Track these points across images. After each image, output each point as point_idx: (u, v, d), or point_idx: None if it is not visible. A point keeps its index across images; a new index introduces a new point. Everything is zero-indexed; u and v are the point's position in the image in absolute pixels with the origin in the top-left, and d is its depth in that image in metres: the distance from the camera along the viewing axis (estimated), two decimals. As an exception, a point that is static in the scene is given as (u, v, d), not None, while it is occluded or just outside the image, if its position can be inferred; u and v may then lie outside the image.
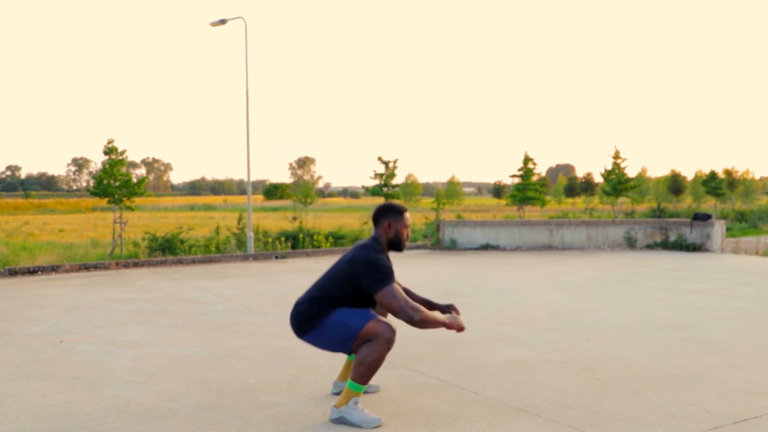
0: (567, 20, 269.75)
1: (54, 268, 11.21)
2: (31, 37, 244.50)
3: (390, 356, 5.20)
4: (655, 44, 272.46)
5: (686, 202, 61.89)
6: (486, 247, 14.96)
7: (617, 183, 24.35)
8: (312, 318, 3.84)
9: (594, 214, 32.19)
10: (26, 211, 57.81)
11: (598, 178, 78.81)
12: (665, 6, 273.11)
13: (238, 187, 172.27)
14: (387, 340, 3.69)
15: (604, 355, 5.26)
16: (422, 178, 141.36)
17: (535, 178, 25.83)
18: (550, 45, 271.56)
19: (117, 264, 11.86)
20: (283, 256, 13.52)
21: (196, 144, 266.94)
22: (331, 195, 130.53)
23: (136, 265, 11.96)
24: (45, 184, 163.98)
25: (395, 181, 18.09)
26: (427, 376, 4.71)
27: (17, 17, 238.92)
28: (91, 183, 15.66)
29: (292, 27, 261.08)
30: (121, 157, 14.64)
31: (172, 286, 9.32)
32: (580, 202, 79.79)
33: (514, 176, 26.51)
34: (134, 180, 14.89)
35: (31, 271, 10.97)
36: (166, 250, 13.62)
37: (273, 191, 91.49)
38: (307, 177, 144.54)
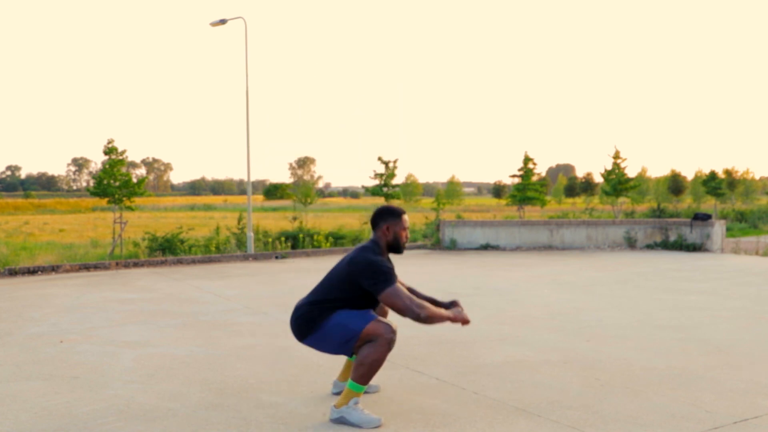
0: (567, 20, 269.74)
1: (54, 268, 11.21)
2: (31, 37, 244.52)
3: (390, 356, 5.20)
4: (655, 44, 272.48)
5: (686, 202, 61.89)
6: (486, 247, 14.96)
7: (617, 183, 24.35)
8: (312, 321, 3.84)
9: (594, 214, 32.19)
10: (26, 211, 57.82)
11: (598, 178, 78.83)
12: (665, 6, 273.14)
13: (238, 187, 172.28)
14: (388, 340, 3.69)
15: (604, 355, 5.26)
16: (422, 178, 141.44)
17: (535, 178, 25.84)
18: (550, 45, 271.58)
19: (117, 264, 11.86)
20: (283, 256, 13.52)
21: (196, 144, 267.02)
22: (331, 195, 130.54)
23: (136, 265, 11.96)
24: (45, 184, 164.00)
25: (395, 181, 18.11)
26: (427, 376, 4.71)
27: (17, 17, 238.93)
28: (91, 183, 15.65)
29: (292, 27, 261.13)
30: (121, 157, 14.64)
31: (172, 286, 9.32)
32: (580, 202, 79.79)
33: (514, 176, 26.52)
34: (134, 180, 14.89)
35: (31, 271, 10.97)
36: (166, 250, 13.62)
37: (273, 191, 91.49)
38: (307, 177, 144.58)
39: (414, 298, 3.74)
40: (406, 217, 4.04)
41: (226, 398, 4.25)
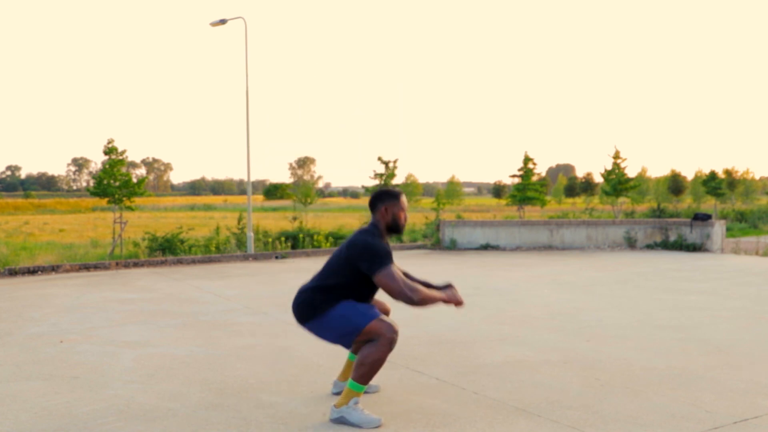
0: (567, 20, 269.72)
1: (54, 268, 11.21)
2: (31, 37, 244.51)
3: (390, 356, 5.19)
4: (655, 44, 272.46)
5: (686, 202, 61.90)
6: (486, 247, 14.96)
7: (617, 183, 24.36)
8: (315, 307, 3.85)
9: (594, 214, 32.19)
10: (26, 211, 57.81)
11: (598, 178, 78.83)
12: (665, 6, 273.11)
13: (238, 187, 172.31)
14: (389, 340, 3.70)
15: (604, 355, 5.25)
16: (422, 178, 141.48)
17: (535, 178, 25.84)
18: (550, 45, 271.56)
19: (117, 264, 11.86)
20: (283, 256, 13.52)
21: (196, 144, 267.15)
22: (331, 195, 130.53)
23: (136, 265, 11.96)
24: (45, 184, 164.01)
25: (395, 181, 18.10)
26: (427, 376, 4.71)
27: (17, 17, 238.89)
28: (91, 183, 15.65)
29: (292, 27, 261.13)
30: (121, 157, 14.63)
31: (172, 286, 9.32)
32: (580, 202, 79.81)
33: (514, 176, 26.52)
34: (134, 180, 14.88)
35: (31, 271, 10.97)
36: (166, 250, 13.61)
37: (273, 191, 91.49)
38: (307, 177, 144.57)
39: (408, 281, 3.74)
40: (404, 198, 4.04)
41: (226, 398, 4.24)
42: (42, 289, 9.11)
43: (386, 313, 4.15)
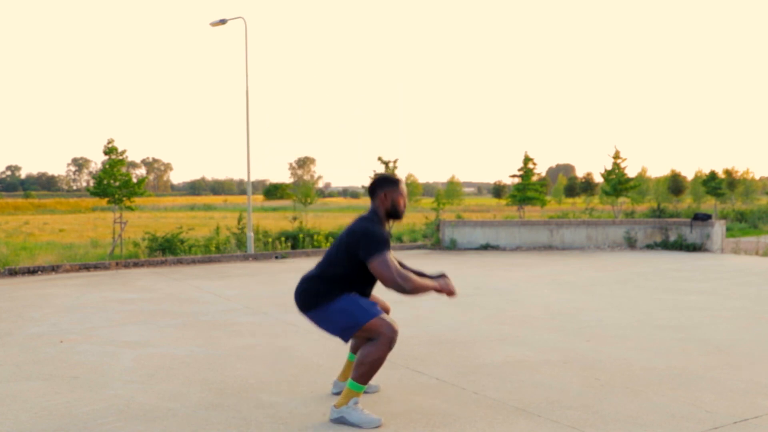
0: (567, 20, 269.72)
1: (54, 268, 11.21)
2: (31, 37, 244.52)
3: (390, 356, 5.20)
4: (655, 44, 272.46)
5: (686, 202, 61.91)
6: (486, 247, 14.96)
7: (617, 183, 24.35)
8: (317, 297, 3.84)
9: (594, 214, 32.19)
10: (26, 211, 57.81)
11: (598, 178, 78.85)
12: (665, 6, 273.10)
13: (238, 187, 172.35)
14: (388, 340, 3.70)
15: (604, 355, 5.25)
16: (422, 178, 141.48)
17: (535, 178, 25.84)
18: (550, 45, 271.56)
19: (117, 264, 11.85)
20: (283, 256, 13.52)
21: (196, 144, 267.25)
22: (331, 195, 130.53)
23: (136, 265, 11.95)
24: (45, 184, 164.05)
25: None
26: (427, 376, 4.71)
27: (17, 17, 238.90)
28: (91, 183, 15.64)
29: (292, 27, 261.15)
30: (121, 157, 14.63)
31: (172, 286, 9.32)
32: (580, 202, 79.83)
33: (514, 176, 26.53)
34: (134, 180, 14.88)
35: (31, 271, 10.97)
36: (166, 250, 13.61)
37: (273, 191, 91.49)
38: (307, 177, 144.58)
39: (401, 270, 3.73)
40: (403, 185, 4.05)
41: (226, 398, 4.24)
42: (42, 289, 9.11)
43: (386, 311, 4.15)
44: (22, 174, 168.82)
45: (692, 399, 4.16)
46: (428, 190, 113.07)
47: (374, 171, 17.99)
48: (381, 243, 3.75)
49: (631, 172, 71.17)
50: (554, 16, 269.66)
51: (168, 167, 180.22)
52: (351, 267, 3.83)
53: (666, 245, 14.46)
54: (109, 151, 14.60)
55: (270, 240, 14.84)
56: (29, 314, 7.21)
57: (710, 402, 4.11)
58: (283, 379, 4.67)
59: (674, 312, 7.10)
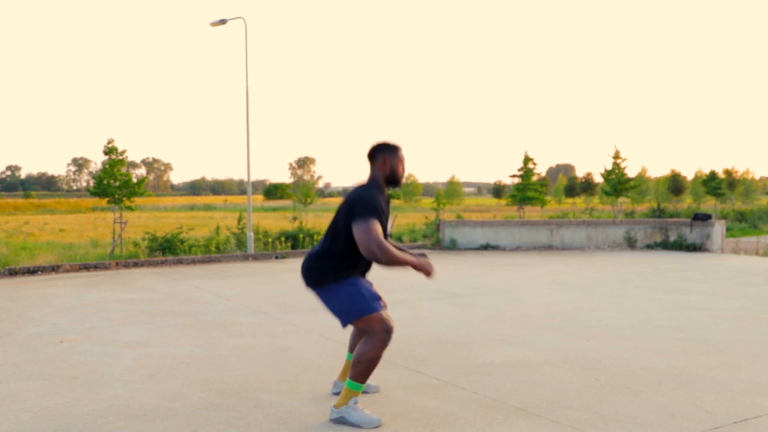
0: (567, 20, 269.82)
1: (54, 268, 11.20)
2: (31, 37, 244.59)
3: (390, 356, 5.20)
4: (655, 44, 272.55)
5: (686, 202, 61.92)
6: (486, 247, 14.96)
7: (617, 183, 24.36)
8: (324, 276, 3.83)
9: (594, 214, 32.20)
10: (26, 211, 57.80)
11: (598, 178, 78.87)
12: (665, 6, 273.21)
13: (238, 187, 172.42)
14: (383, 338, 3.71)
15: (604, 355, 5.25)
16: (422, 178, 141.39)
17: (535, 178, 25.86)
18: (550, 45, 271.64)
19: (117, 264, 11.85)
20: (283, 256, 13.52)
21: (196, 144, 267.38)
22: (331, 195, 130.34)
23: (136, 265, 11.95)
24: (45, 184, 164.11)
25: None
26: (427, 376, 4.71)
27: (17, 17, 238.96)
28: (91, 183, 15.64)
29: (292, 27, 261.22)
30: (121, 157, 14.63)
31: (172, 286, 9.32)
32: (580, 202, 79.83)
33: (514, 176, 26.56)
34: (134, 180, 14.88)
35: (31, 271, 10.97)
36: (166, 250, 13.61)
37: (273, 191, 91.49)
38: (307, 177, 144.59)
39: (381, 240, 3.67)
40: (402, 151, 4.04)
41: (226, 398, 4.24)
42: (42, 289, 9.11)
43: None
44: (22, 174, 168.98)
45: (692, 399, 4.16)
46: (428, 190, 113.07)
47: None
48: (369, 209, 3.71)
49: (631, 172, 71.26)
50: (554, 16, 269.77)
51: (168, 167, 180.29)
52: (351, 241, 3.79)
53: (666, 245, 14.46)
54: (109, 151, 14.60)
55: (270, 240, 14.84)
56: (29, 314, 7.21)
57: (710, 402, 4.11)
58: (283, 379, 4.67)
59: (674, 312, 7.10)
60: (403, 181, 4.08)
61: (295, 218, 17.76)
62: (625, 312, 7.12)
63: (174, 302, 7.95)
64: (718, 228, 14.32)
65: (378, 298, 3.84)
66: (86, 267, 11.59)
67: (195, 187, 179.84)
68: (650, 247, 14.62)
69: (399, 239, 16.52)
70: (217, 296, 8.41)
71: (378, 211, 3.74)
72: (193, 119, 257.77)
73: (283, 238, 15.22)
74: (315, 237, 15.58)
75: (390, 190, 4.09)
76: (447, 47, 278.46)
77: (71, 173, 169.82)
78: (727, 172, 67.17)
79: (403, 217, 30.54)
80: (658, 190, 69.83)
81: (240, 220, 15.59)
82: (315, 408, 4.04)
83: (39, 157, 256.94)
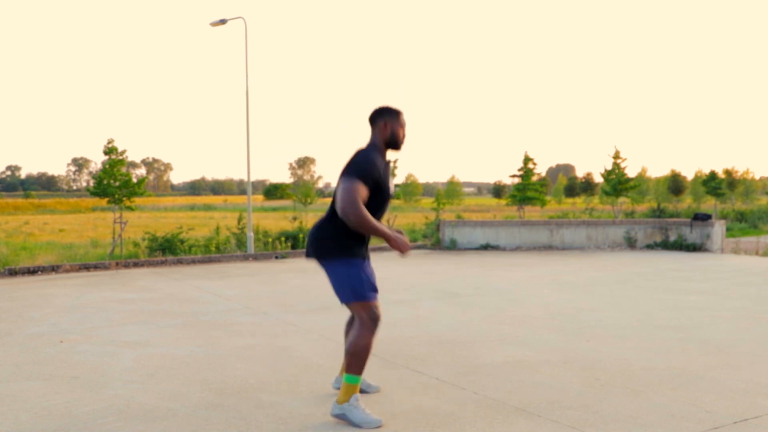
0: (567, 20, 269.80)
1: (54, 268, 11.20)
2: (31, 37, 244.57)
3: (390, 356, 5.21)
4: (655, 44, 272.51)
5: (686, 202, 61.92)
6: (486, 247, 14.95)
7: (617, 183, 24.37)
8: (331, 250, 3.82)
9: (594, 214, 32.21)
10: (26, 211, 57.81)
11: (598, 178, 78.86)
12: (665, 6, 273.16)
13: (238, 187, 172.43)
14: (370, 327, 3.77)
15: (604, 355, 5.25)
16: (422, 178, 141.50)
17: (535, 178, 25.87)
18: (550, 45, 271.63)
19: (117, 264, 11.85)
20: (283, 256, 13.52)
21: (196, 144, 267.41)
22: (331, 195, 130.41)
23: (136, 265, 11.95)
24: (45, 184, 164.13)
25: (395, 181, 18.10)
26: (427, 376, 4.71)
27: (17, 17, 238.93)
28: (91, 183, 15.65)
29: (292, 27, 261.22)
30: (121, 157, 14.63)
31: (172, 286, 9.32)
32: (580, 202, 79.85)
33: (514, 176, 26.57)
34: (134, 180, 14.88)
35: (31, 271, 10.97)
36: (166, 250, 13.61)
37: (273, 191, 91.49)
38: (307, 177, 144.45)
39: (359, 203, 3.63)
40: (404, 116, 4.03)
41: (226, 398, 4.24)
42: (42, 289, 9.11)
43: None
44: (22, 174, 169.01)
45: (692, 399, 4.16)
46: (428, 190, 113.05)
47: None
48: (359, 170, 3.71)
49: (631, 172, 71.26)
50: (554, 16, 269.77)
51: (168, 167, 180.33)
52: None
53: (666, 245, 14.46)
54: (109, 151, 14.60)
55: (270, 240, 14.84)
56: (29, 314, 7.21)
57: (710, 402, 4.11)
58: (283, 379, 4.67)
59: (674, 312, 7.10)
60: (403, 146, 4.04)
61: (295, 218, 17.77)
62: (625, 312, 7.12)
63: (174, 302, 7.95)
64: (718, 228, 14.32)
65: (375, 288, 3.87)
66: (86, 267, 11.59)
67: (195, 187, 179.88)
68: (650, 247, 14.62)
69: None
70: (217, 296, 8.41)
71: (368, 175, 3.73)
72: (193, 119, 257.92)
73: (283, 238, 15.22)
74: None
75: (390, 155, 4.05)
76: (447, 47, 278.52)
77: (71, 173, 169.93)
78: (727, 172, 67.18)
79: (403, 217, 30.54)
80: (658, 190, 69.85)
81: (240, 220, 15.59)
82: (315, 408, 4.04)
83: (39, 157, 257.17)
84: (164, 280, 10.04)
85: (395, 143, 3.98)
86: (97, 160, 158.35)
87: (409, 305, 7.59)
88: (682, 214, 31.24)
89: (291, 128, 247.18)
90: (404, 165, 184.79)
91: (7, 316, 7.10)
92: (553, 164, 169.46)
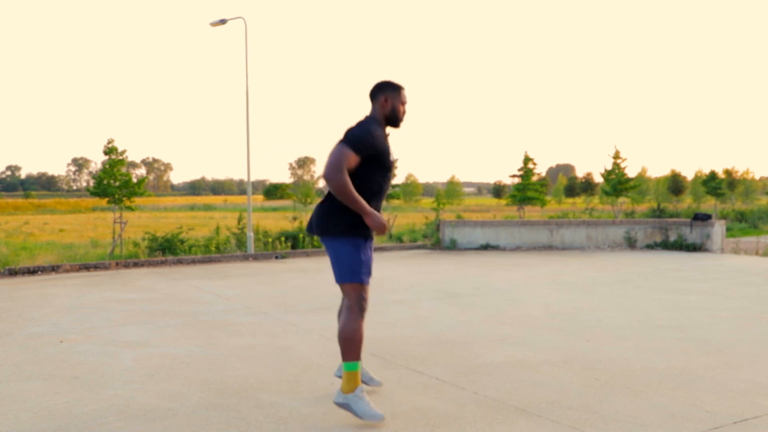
0: (567, 20, 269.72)
1: (54, 268, 11.20)
2: (31, 37, 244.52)
3: (390, 356, 5.21)
4: (655, 44, 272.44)
5: (686, 202, 61.94)
6: (486, 247, 14.95)
7: (617, 183, 24.38)
8: (333, 227, 3.81)
9: (594, 214, 32.20)
10: (26, 211, 57.82)
11: (598, 178, 78.85)
12: (665, 6, 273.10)
13: (238, 187, 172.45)
14: (357, 310, 3.79)
15: (604, 355, 5.25)
16: (422, 178, 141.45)
17: (535, 178, 25.88)
18: (550, 45, 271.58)
19: (117, 264, 11.85)
20: (283, 256, 13.51)
21: (196, 144, 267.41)
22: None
23: (136, 265, 11.95)
24: (45, 184, 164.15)
25: (395, 181, 18.10)
26: (427, 376, 4.71)
27: (17, 17, 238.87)
28: (91, 183, 15.65)
29: (292, 27, 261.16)
30: (121, 157, 14.63)
31: (172, 286, 9.32)
32: (580, 202, 79.86)
33: (514, 176, 26.58)
34: (134, 180, 14.88)
35: (31, 271, 10.97)
36: (166, 250, 13.61)
37: (273, 191, 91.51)
38: (307, 177, 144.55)
39: (343, 168, 3.61)
40: (405, 92, 3.99)
41: (226, 398, 4.24)
42: (42, 289, 9.11)
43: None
44: (22, 174, 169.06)
45: (692, 399, 4.16)
46: (428, 190, 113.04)
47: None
48: (354, 139, 3.70)
49: (631, 172, 71.28)
50: (554, 16, 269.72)
51: (168, 167, 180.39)
52: (356, 175, 3.75)
53: (666, 245, 14.46)
54: (109, 151, 14.60)
55: (270, 240, 14.83)
56: (29, 314, 7.21)
57: (710, 402, 4.11)
58: (283, 379, 4.67)
59: (674, 312, 7.10)
60: (402, 123, 4.01)
61: (295, 218, 17.76)
62: (625, 312, 7.12)
63: (174, 302, 7.95)
64: (718, 228, 14.32)
65: (370, 272, 3.88)
66: (86, 267, 11.59)
67: (195, 187, 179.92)
68: (650, 247, 14.62)
69: (399, 239, 16.52)
70: (217, 296, 8.41)
71: (363, 145, 3.71)
72: (193, 119, 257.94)
73: (283, 238, 15.22)
74: (315, 237, 15.58)
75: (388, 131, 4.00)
76: (447, 47, 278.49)
77: (71, 173, 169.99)
78: (727, 172, 67.20)
79: (403, 217, 30.52)
80: (658, 190, 69.88)
81: (240, 220, 15.59)
82: (315, 408, 4.04)
83: (39, 157, 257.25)
84: (164, 280, 10.05)
85: (395, 120, 3.95)
86: (97, 160, 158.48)
87: (409, 305, 7.59)
88: (682, 214, 31.24)
89: (291, 128, 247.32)
90: (404, 165, 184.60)
91: (7, 316, 7.10)
92: (553, 164, 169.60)
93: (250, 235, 14.31)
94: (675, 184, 71.39)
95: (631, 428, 3.66)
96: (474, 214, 40.21)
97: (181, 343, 5.80)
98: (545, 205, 26.98)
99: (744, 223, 31.13)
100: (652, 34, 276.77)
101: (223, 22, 15.52)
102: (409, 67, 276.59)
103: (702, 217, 14.32)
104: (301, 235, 15.36)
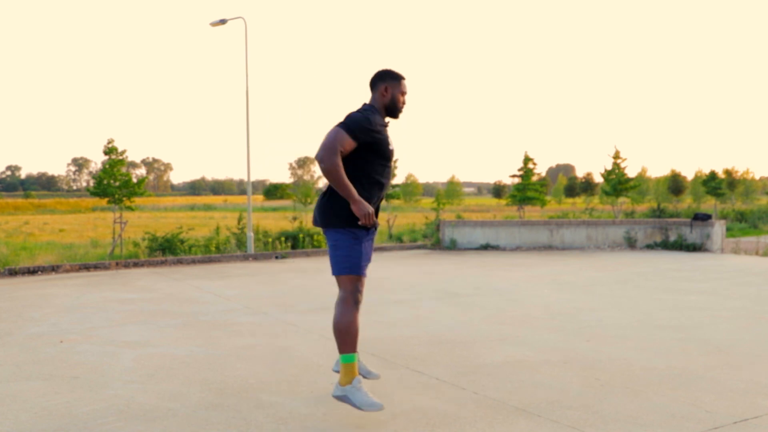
0: (567, 20, 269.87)
1: (54, 268, 11.20)
2: (31, 37, 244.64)
3: (390, 356, 5.21)
4: (655, 44, 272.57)
5: (686, 202, 61.93)
6: (486, 247, 14.95)
7: (617, 183, 24.38)
8: (335, 219, 3.81)
9: (594, 214, 32.20)
10: (26, 211, 57.80)
11: (598, 178, 78.87)
12: (665, 6, 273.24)
13: (238, 187, 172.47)
14: (350, 302, 3.80)
15: (604, 355, 5.25)
16: (422, 178, 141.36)
17: (535, 178, 25.88)
18: (550, 45, 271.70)
19: (117, 264, 11.85)
20: (283, 256, 13.51)
21: (196, 144, 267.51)
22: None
23: (136, 265, 11.95)
24: (45, 184, 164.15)
25: (395, 181, 18.10)
26: (427, 376, 4.71)
27: (17, 17, 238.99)
28: (91, 183, 15.65)
29: (292, 27, 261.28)
30: (121, 157, 14.62)
31: (172, 286, 9.32)
32: (580, 202, 79.85)
33: (514, 176, 26.58)
34: (134, 180, 14.87)
35: (31, 271, 10.97)
36: (166, 250, 13.61)
37: (273, 191, 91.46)
38: (307, 177, 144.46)
39: (336, 152, 3.60)
40: (405, 82, 3.96)
41: (226, 398, 4.24)
42: (42, 289, 9.11)
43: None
44: (22, 174, 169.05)
45: (692, 399, 4.16)
46: (428, 190, 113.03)
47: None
48: (351, 123, 3.68)
49: (631, 172, 71.34)
50: (554, 16, 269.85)
51: (168, 167, 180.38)
52: (354, 164, 3.75)
53: (666, 245, 14.46)
54: (109, 151, 14.60)
55: (270, 240, 14.83)
56: (29, 314, 7.21)
57: (710, 402, 4.11)
58: (283, 379, 4.67)
59: (674, 312, 7.10)
60: (401, 114, 3.99)
61: (295, 218, 17.75)
62: (625, 312, 7.12)
63: (174, 302, 7.95)
64: (718, 228, 14.32)
65: (368, 262, 3.89)
66: (86, 267, 11.59)
67: (195, 187, 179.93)
68: (650, 247, 14.62)
69: (399, 239, 16.51)
70: (217, 296, 8.41)
71: (359, 130, 3.69)
72: (193, 119, 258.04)
73: (283, 238, 15.21)
74: (315, 237, 15.58)
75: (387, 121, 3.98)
76: (447, 47, 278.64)
77: (71, 173, 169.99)
78: (727, 172, 67.17)
79: (403, 217, 30.52)
80: (658, 190, 69.85)
81: (240, 220, 15.59)
82: (315, 408, 4.04)
83: (39, 157, 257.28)
84: (164, 280, 10.05)
85: (394, 110, 3.94)
86: (97, 160, 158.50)
87: (409, 305, 7.59)
88: (682, 214, 31.24)
89: (291, 128, 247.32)
90: (404, 165, 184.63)
91: (7, 316, 7.10)
92: (553, 164, 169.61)
93: (250, 235, 14.31)
94: (675, 184, 71.37)
95: (631, 428, 3.66)
96: (474, 214, 40.21)
97: (181, 343, 5.80)
98: (545, 205, 26.98)
99: (744, 223, 31.13)
100: (652, 34, 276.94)
101: (223, 22, 15.52)
102: (409, 67, 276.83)
103: (702, 217, 14.32)
104: (301, 235, 15.36)
